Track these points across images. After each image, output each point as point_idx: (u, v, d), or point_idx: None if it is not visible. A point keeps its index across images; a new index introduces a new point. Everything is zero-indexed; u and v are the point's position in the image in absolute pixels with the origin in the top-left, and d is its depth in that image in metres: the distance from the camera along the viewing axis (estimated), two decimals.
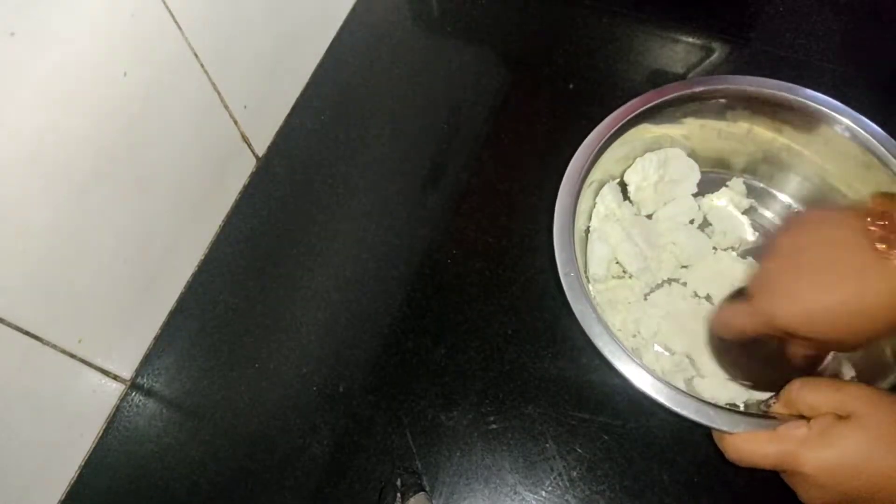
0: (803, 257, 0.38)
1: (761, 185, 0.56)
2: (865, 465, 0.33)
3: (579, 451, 0.49)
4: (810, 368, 0.45)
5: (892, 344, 0.46)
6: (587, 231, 0.54)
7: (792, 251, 0.38)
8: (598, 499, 0.47)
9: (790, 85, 0.50)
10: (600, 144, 0.50)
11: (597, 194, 0.55)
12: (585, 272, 0.53)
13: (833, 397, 0.36)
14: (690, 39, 0.68)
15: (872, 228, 0.36)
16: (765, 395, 0.42)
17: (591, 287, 0.52)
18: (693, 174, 0.56)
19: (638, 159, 0.56)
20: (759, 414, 0.39)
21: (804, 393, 0.37)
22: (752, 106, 0.52)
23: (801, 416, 0.37)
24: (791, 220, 0.40)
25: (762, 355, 0.44)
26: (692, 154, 0.56)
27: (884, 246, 0.35)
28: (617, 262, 0.54)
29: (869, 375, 0.47)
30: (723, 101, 0.52)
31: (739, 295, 0.44)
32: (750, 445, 0.37)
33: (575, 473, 0.48)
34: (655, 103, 0.51)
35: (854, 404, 0.35)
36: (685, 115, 0.53)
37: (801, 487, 0.36)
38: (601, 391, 0.51)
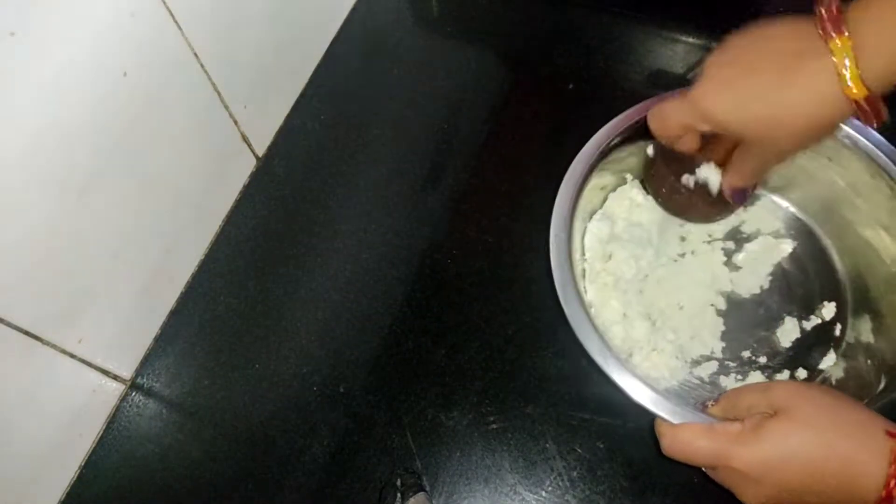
0: (743, 53, 0.38)
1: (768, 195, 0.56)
2: (796, 455, 0.34)
3: (579, 451, 0.49)
4: (730, 202, 0.46)
5: (874, 362, 0.47)
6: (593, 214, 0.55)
7: (735, 48, 0.39)
8: (598, 499, 0.47)
9: None
10: (627, 125, 0.50)
11: (611, 189, 0.56)
12: (582, 241, 0.53)
13: (763, 398, 0.37)
14: (690, 39, 0.68)
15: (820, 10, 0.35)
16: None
17: (584, 260, 0.53)
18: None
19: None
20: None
21: (738, 399, 0.38)
22: None
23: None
24: (746, 28, 0.39)
25: (692, 185, 0.46)
26: None
27: (827, 24, 0.34)
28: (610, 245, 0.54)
29: (859, 376, 0.47)
30: None
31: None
32: (685, 437, 0.38)
33: (575, 473, 0.48)
34: None
35: (782, 401, 0.36)
36: None
37: (738, 487, 0.36)
38: (601, 391, 0.51)
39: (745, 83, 0.37)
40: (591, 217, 0.55)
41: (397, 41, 0.71)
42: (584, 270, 0.52)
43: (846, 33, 0.34)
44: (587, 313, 0.43)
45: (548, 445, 0.49)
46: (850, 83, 0.34)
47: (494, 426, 0.50)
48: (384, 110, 0.67)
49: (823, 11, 0.35)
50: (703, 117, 0.39)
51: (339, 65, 0.70)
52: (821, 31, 0.35)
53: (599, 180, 0.52)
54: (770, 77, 0.36)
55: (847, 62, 0.34)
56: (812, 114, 0.36)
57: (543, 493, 0.48)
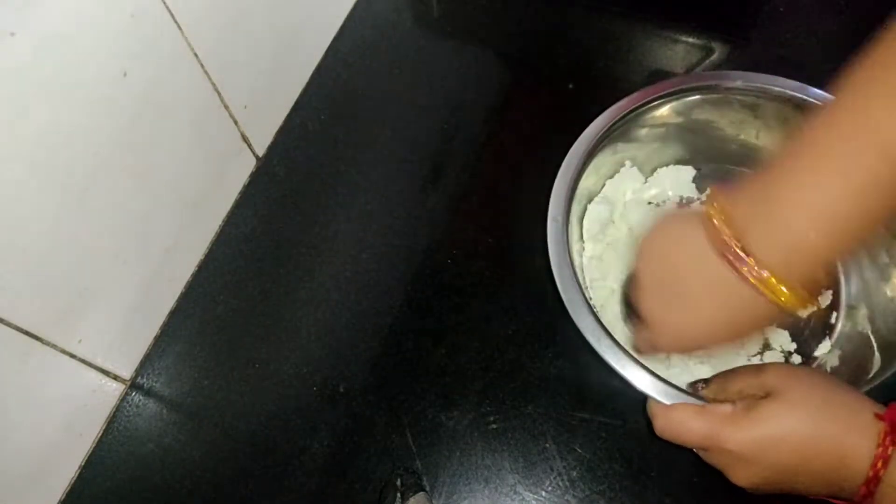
0: (662, 285, 0.38)
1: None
2: (788, 436, 0.34)
3: (579, 451, 0.49)
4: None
5: (868, 350, 0.47)
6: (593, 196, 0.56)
7: (651, 280, 0.38)
8: (598, 499, 0.47)
9: (801, 84, 0.50)
10: (630, 108, 0.50)
11: (614, 173, 0.56)
12: (581, 224, 0.54)
13: (755, 379, 0.37)
14: (690, 39, 0.68)
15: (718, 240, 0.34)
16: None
17: (583, 244, 0.54)
18: None
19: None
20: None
21: (729, 381, 0.39)
22: (766, 103, 0.52)
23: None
24: (643, 243, 0.39)
25: None
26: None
27: (730, 256, 0.33)
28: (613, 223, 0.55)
29: (853, 364, 0.48)
30: (739, 97, 0.52)
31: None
32: (678, 417, 0.38)
33: (575, 473, 0.48)
34: (678, 88, 0.52)
35: (774, 382, 0.36)
36: (700, 104, 0.54)
37: (729, 468, 0.37)
38: (601, 391, 0.51)
39: (681, 323, 0.37)
40: (590, 201, 0.55)
41: (397, 41, 0.71)
42: (582, 249, 0.54)
43: (716, 203, 0.34)
44: (583, 293, 0.44)
45: (548, 445, 0.49)
46: (717, 230, 0.33)
47: (494, 426, 0.50)
48: (384, 110, 0.67)
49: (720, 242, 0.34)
50: (663, 351, 0.42)
51: (339, 65, 0.70)
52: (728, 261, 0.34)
53: (597, 166, 0.53)
54: (699, 313, 0.36)
55: (716, 221, 0.33)
56: (747, 326, 0.36)
57: (543, 493, 0.48)
